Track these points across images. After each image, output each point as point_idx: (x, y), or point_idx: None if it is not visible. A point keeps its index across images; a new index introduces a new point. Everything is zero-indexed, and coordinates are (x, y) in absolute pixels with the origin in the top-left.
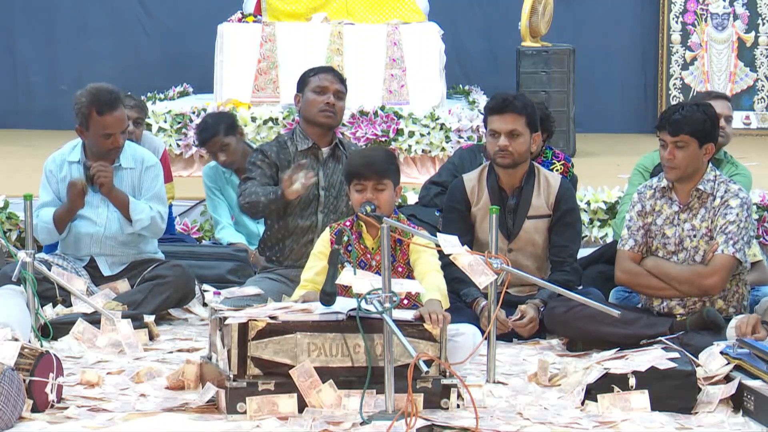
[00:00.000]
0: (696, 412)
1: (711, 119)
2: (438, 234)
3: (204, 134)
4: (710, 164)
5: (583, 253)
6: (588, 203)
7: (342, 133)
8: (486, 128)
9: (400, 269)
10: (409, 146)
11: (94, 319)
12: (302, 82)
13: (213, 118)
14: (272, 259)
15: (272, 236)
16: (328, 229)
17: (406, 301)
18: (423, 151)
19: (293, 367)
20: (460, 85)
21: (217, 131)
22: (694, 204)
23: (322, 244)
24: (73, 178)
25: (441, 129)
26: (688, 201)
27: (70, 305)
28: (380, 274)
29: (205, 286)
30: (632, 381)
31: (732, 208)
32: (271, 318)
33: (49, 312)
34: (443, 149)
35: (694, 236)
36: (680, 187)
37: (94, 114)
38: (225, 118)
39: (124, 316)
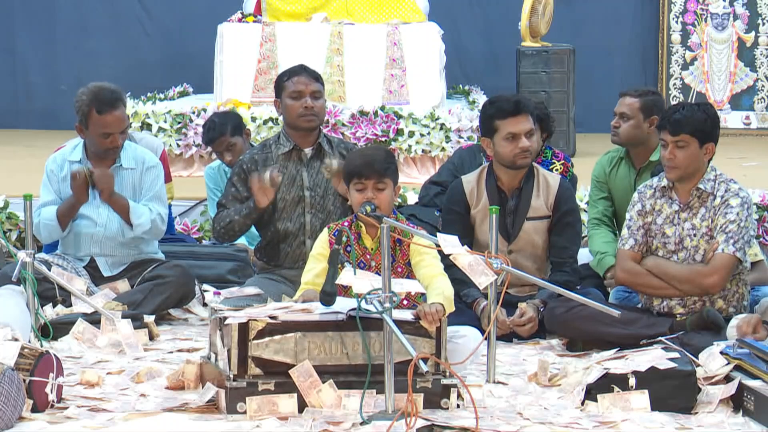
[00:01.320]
0: (696, 412)
1: (712, 119)
2: (438, 234)
3: (210, 134)
4: (710, 164)
5: (583, 253)
6: (588, 203)
7: (342, 134)
8: (489, 134)
9: (399, 269)
10: (409, 146)
11: (94, 319)
12: (278, 87)
13: (220, 118)
14: (269, 264)
15: (266, 243)
16: (326, 229)
17: (405, 302)
18: (423, 151)
19: (293, 366)
20: (460, 85)
21: (224, 131)
22: (694, 203)
23: (321, 245)
24: (74, 169)
25: (441, 129)
26: (688, 200)
27: (70, 305)
28: (379, 274)
29: (205, 286)
30: (632, 381)
31: (732, 208)
32: (271, 318)
33: (49, 312)
34: (443, 149)
35: (694, 235)
36: (680, 187)
37: (93, 112)
38: (232, 118)
39: (124, 316)
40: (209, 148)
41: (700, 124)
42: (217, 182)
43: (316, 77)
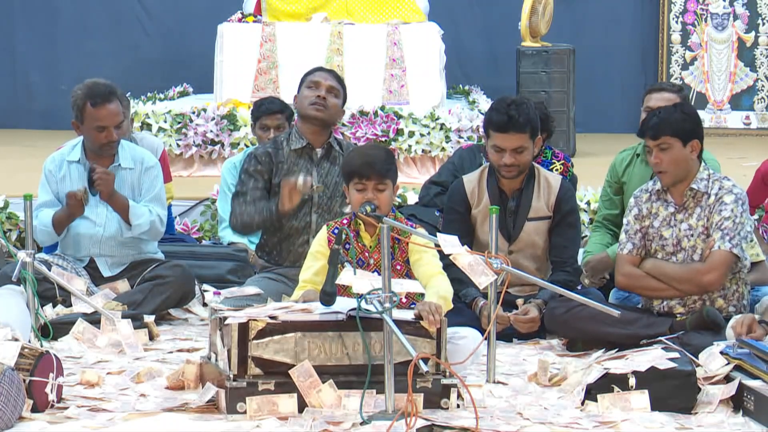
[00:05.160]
0: (696, 412)
1: (691, 117)
2: (438, 234)
3: (273, 106)
4: (703, 163)
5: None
6: (588, 203)
7: (342, 134)
8: (486, 136)
9: (398, 267)
10: (409, 146)
11: (94, 319)
12: (301, 82)
13: (281, 101)
14: (270, 262)
15: (269, 240)
16: (324, 227)
17: (404, 300)
18: (423, 151)
19: (293, 366)
20: (460, 85)
21: (285, 110)
22: (689, 204)
23: (319, 243)
24: (71, 191)
25: (441, 129)
26: (683, 201)
27: (70, 305)
28: (378, 272)
29: (205, 286)
30: (632, 381)
31: (726, 204)
32: (271, 318)
33: (49, 312)
34: (443, 149)
35: (692, 236)
36: (674, 188)
37: (88, 106)
38: (290, 108)
39: (124, 316)
40: (254, 122)
41: (679, 123)
42: (236, 178)
43: (338, 79)
